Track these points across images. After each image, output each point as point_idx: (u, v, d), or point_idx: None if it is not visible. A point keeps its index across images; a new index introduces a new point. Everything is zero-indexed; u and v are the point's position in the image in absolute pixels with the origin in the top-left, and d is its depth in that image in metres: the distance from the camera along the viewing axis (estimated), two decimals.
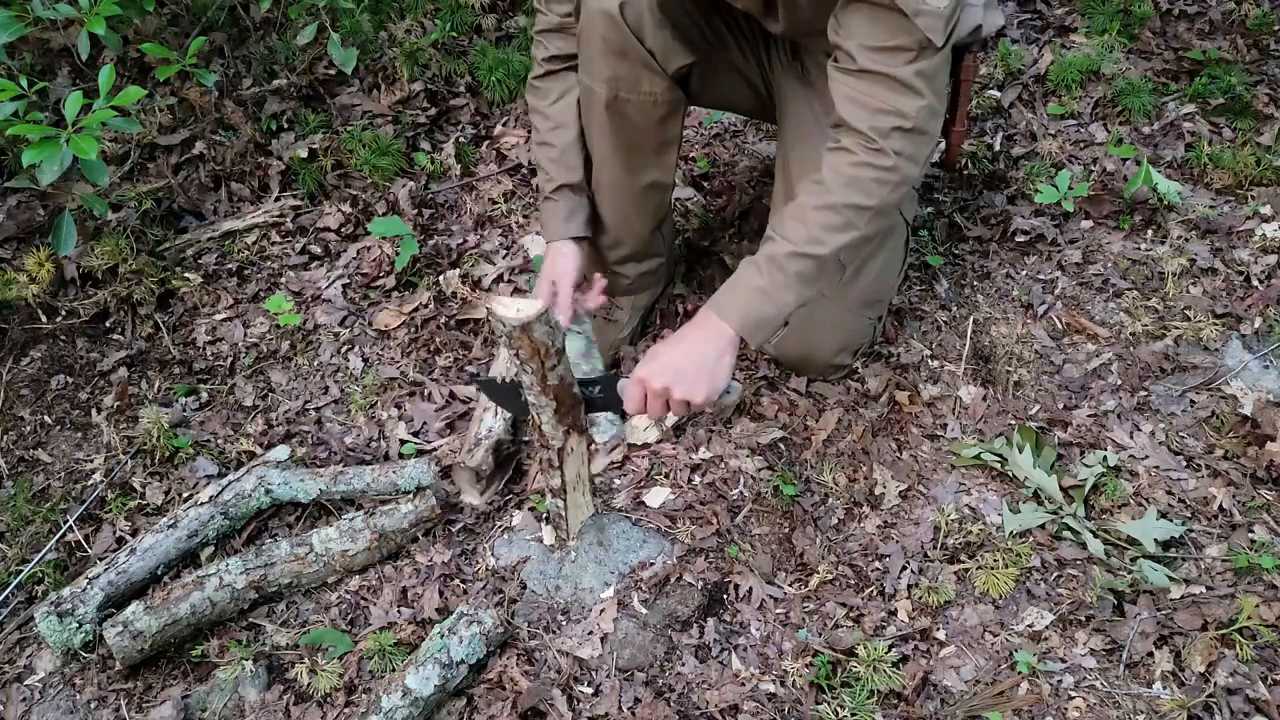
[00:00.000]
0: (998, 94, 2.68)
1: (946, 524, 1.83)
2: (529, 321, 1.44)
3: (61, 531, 1.92)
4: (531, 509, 1.88)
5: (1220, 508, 1.81)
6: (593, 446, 1.96)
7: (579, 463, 1.74)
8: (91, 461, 2.06)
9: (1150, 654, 1.63)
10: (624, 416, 1.68)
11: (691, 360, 1.55)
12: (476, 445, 1.89)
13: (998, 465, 1.90)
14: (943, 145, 2.23)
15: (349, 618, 1.78)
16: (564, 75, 1.87)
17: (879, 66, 1.48)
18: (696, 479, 1.91)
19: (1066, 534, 1.79)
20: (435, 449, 2.02)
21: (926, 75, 1.49)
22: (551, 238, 1.91)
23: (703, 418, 2.01)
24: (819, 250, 1.54)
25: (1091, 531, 1.78)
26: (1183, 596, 1.69)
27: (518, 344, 1.48)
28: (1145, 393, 2.01)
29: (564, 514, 1.78)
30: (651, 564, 1.78)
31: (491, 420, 1.93)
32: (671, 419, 1.96)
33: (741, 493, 1.89)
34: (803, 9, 1.64)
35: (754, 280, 1.57)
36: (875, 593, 1.75)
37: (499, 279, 2.36)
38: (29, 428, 2.14)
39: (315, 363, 2.23)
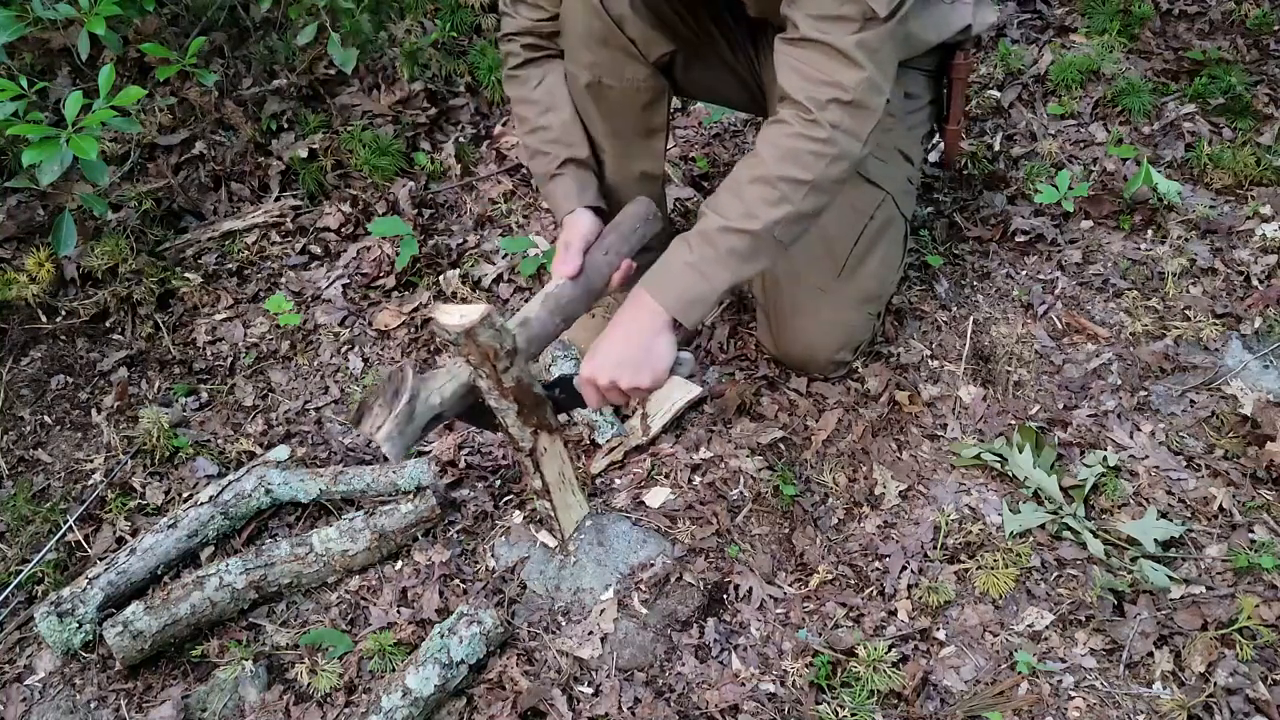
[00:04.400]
0: (998, 94, 2.68)
1: (946, 524, 1.83)
2: (472, 326, 1.42)
3: (61, 531, 1.92)
4: (532, 510, 1.88)
5: (1220, 508, 1.81)
6: (576, 444, 1.97)
7: (558, 462, 1.73)
8: (91, 461, 2.06)
9: (1150, 654, 1.63)
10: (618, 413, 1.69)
11: (629, 347, 1.54)
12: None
13: (998, 465, 1.90)
14: (940, 145, 2.23)
15: (349, 618, 1.78)
16: (541, 62, 1.84)
17: (820, 35, 1.46)
18: (696, 479, 1.91)
19: (1066, 534, 1.79)
20: (434, 449, 2.02)
21: (869, 47, 1.46)
22: (566, 210, 1.79)
23: (702, 418, 2.01)
24: (752, 225, 1.51)
25: (1091, 531, 1.78)
26: (1183, 596, 1.69)
27: (466, 350, 1.46)
28: (1145, 393, 2.01)
29: (553, 514, 1.78)
30: (651, 564, 1.78)
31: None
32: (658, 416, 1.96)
33: (741, 493, 1.89)
34: None
35: (684, 256, 1.54)
36: (875, 593, 1.75)
37: (499, 279, 2.36)
38: (29, 428, 2.14)
39: (315, 363, 2.23)
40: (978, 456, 1.91)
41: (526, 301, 1.77)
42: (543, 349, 1.75)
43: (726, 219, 1.52)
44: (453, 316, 1.43)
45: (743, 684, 1.63)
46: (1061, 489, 1.84)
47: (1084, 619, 1.69)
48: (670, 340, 1.56)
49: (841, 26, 1.45)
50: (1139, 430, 1.94)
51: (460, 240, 2.45)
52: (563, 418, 1.80)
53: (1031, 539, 1.79)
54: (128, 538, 1.90)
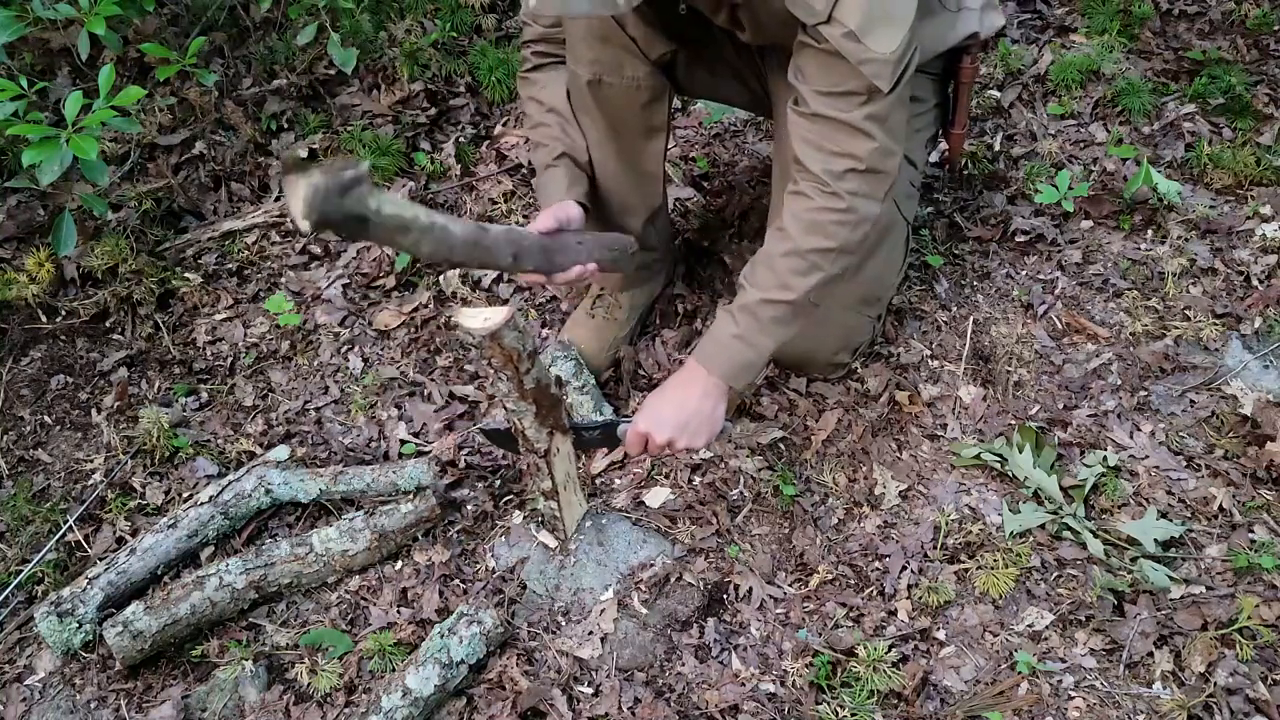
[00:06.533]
0: (998, 94, 2.68)
1: (946, 524, 1.83)
2: (497, 329, 1.42)
3: (61, 531, 1.92)
4: (532, 510, 1.88)
5: (1220, 508, 1.81)
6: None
7: (566, 462, 1.74)
8: (91, 461, 2.06)
9: (1150, 654, 1.63)
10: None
11: (691, 413, 1.64)
12: None
13: (998, 465, 1.90)
14: (944, 146, 2.22)
15: (349, 618, 1.78)
16: (551, 68, 1.89)
17: (830, 111, 1.52)
18: (696, 479, 1.91)
19: (1066, 534, 1.79)
20: (434, 449, 2.02)
21: (878, 118, 1.52)
22: (554, 200, 1.77)
23: None
24: (788, 296, 1.61)
25: (1091, 531, 1.78)
26: (1183, 596, 1.69)
27: (489, 354, 1.47)
28: (1145, 393, 2.01)
29: (559, 514, 1.78)
30: (651, 564, 1.78)
31: None
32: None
33: (741, 493, 1.89)
34: (768, 28, 1.66)
35: (730, 329, 1.64)
36: (875, 593, 1.75)
37: (499, 278, 2.36)
38: (29, 428, 2.14)
39: (315, 363, 2.23)
40: (978, 456, 1.91)
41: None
42: (458, 255, 1.42)
43: (765, 293, 1.62)
44: (476, 320, 1.43)
45: (743, 684, 1.63)
46: (1061, 489, 1.84)
47: (1084, 619, 1.69)
48: (724, 407, 1.68)
49: (848, 101, 1.50)
50: (1139, 430, 1.94)
51: None
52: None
53: (1031, 539, 1.79)
54: (128, 538, 1.90)
